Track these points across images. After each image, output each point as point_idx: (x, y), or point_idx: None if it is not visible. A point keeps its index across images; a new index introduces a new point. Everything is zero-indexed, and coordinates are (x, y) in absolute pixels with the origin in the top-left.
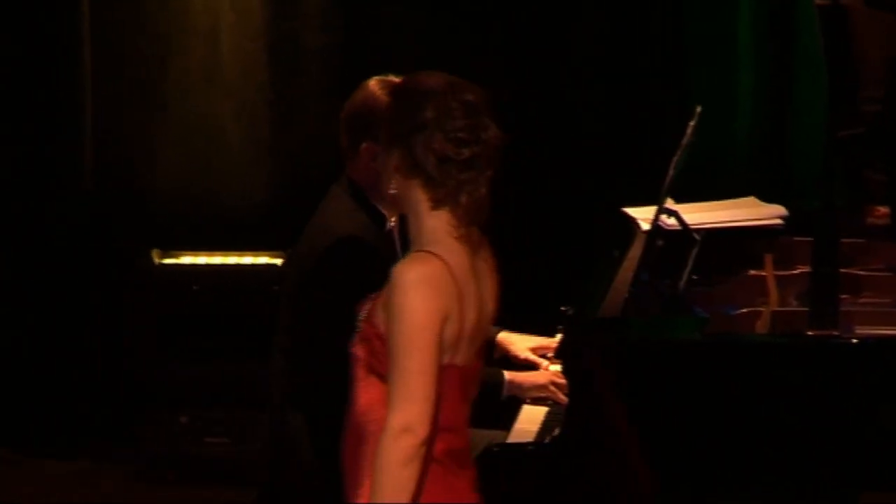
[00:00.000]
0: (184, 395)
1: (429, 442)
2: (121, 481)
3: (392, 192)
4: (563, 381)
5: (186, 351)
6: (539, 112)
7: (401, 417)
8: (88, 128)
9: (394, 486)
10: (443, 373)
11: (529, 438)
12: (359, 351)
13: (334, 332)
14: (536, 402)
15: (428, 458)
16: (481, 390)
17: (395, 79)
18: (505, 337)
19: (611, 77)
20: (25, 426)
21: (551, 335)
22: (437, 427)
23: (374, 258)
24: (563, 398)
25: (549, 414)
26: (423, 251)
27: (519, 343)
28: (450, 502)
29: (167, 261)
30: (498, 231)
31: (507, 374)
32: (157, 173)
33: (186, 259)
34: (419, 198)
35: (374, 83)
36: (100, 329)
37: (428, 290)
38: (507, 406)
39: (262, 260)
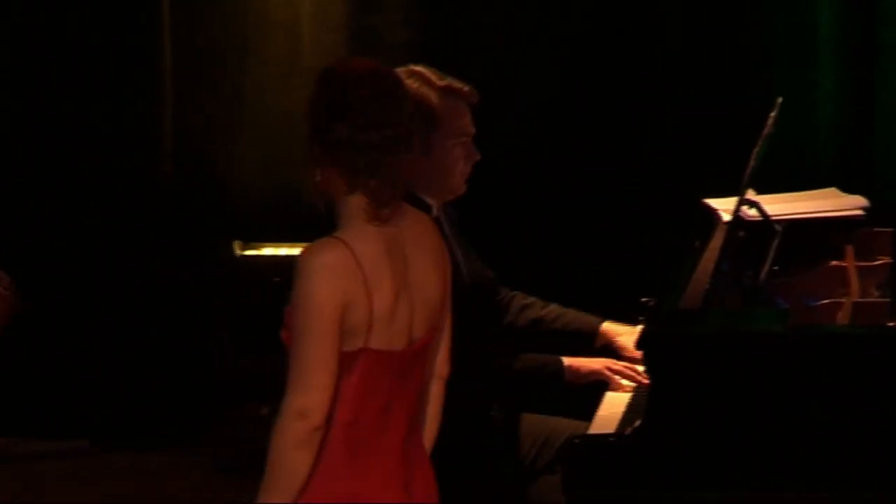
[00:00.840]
0: (264, 387)
1: (324, 429)
2: (202, 474)
3: (317, 179)
4: (618, 366)
5: (267, 343)
6: (621, 104)
7: (297, 402)
8: (169, 120)
9: (285, 468)
10: (350, 359)
11: (611, 429)
12: (284, 337)
13: None
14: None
15: (324, 445)
16: (542, 378)
17: (421, 69)
18: (610, 328)
19: (693, 68)
20: (106, 418)
21: (633, 325)
22: (334, 415)
23: None
24: (618, 382)
25: (630, 402)
26: (330, 237)
27: (626, 336)
28: (340, 497)
29: (248, 252)
30: (582, 222)
31: (566, 360)
32: (237, 165)
33: (267, 251)
34: (336, 183)
35: (402, 74)
36: (181, 321)
37: (327, 276)
38: (591, 392)
39: None
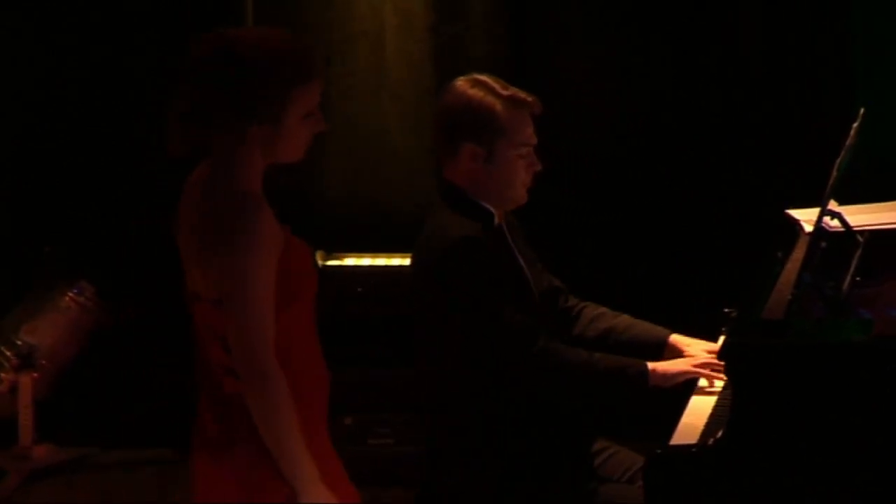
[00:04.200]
0: (347, 397)
1: None
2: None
3: None
4: (700, 363)
5: (351, 352)
6: (704, 112)
7: None
8: None
9: None
10: None
11: (693, 439)
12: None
13: (469, 335)
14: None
15: None
16: (626, 378)
17: (486, 78)
18: (678, 339)
19: (777, 78)
20: (191, 427)
21: (715, 337)
22: None
23: (491, 256)
24: (707, 374)
25: (713, 411)
26: None
27: (695, 347)
28: None
29: (331, 262)
30: (665, 233)
31: (650, 365)
32: (320, 175)
33: (350, 261)
34: None
35: (462, 83)
36: None
37: None
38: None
39: None
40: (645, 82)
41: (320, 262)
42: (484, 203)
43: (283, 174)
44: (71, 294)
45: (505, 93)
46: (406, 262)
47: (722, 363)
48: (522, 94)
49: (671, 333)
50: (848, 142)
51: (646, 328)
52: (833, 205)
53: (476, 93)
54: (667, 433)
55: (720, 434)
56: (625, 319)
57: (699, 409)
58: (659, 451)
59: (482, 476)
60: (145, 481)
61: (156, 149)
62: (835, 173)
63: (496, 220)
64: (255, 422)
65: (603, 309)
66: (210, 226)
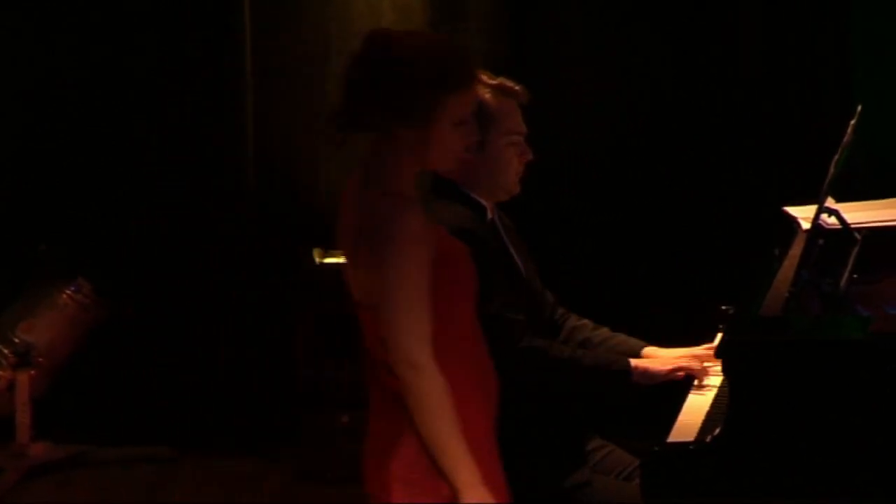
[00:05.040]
0: (343, 395)
1: None
2: (281, 482)
3: None
4: (688, 363)
5: (347, 350)
6: (701, 111)
7: None
8: (250, 128)
9: None
10: None
11: (691, 437)
12: None
13: None
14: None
15: None
16: (608, 378)
17: (487, 77)
18: (652, 352)
19: (774, 75)
20: (186, 426)
21: (712, 333)
22: None
23: (486, 247)
24: (697, 366)
25: (710, 409)
26: None
27: (666, 358)
28: None
29: (328, 260)
30: (662, 231)
31: (633, 362)
32: (318, 173)
33: None
34: None
35: None
36: (261, 328)
37: None
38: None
39: None
40: (644, 81)
41: (317, 260)
42: (476, 195)
43: (279, 172)
44: (68, 291)
45: (492, 82)
46: None
47: (704, 355)
48: (510, 84)
49: (646, 346)
50: (845, 139)
51: (621, 340)
52: (831, 202)
53: None
54: (664, 431)
55: (717, 431)
56: (603, 332)
57: (696, 406)
58: (656, 448)
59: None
60: (142, 479)
61: (153, 147)
62: (832, 171)
63: (489, 215)
64: (413, 419)
65: (584, 321)
66: (362, 229)
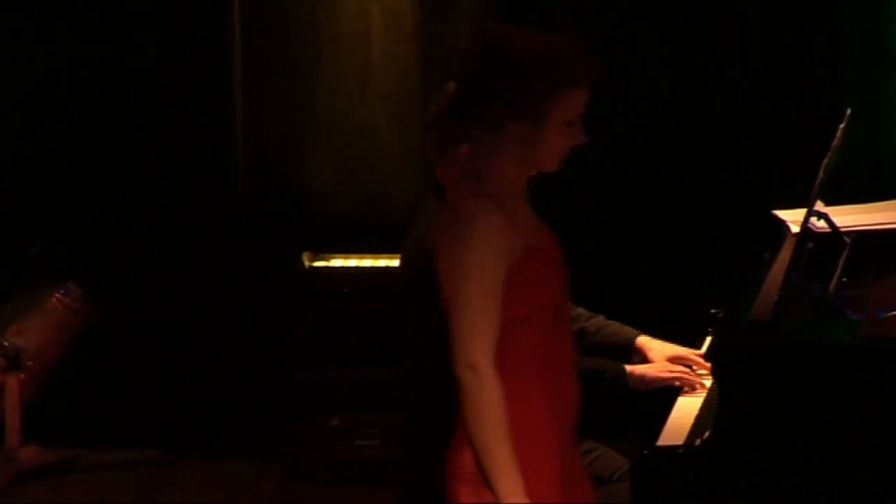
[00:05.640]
0: (335, 398)
1: None
2: (274, 484)
3: None
4: (683, 373)
5: (337, 353)
6: (691, 114)
7: None
8: (240, 132)
9: None
10: None
11: (680, 440)
12: None
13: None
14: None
15: None
16: (604, 385)
17: None
18: (645, 342)
19: (764, 79)
20: (178, 428)
21: (702, 337)
22: None
23: None
24: (682, 378)
25: (700, 412)
26: None
27: (658, 350)
28: None
29: (318, 263)
30: (652, 234)
31: (629, 368)
32: (308, 176)
33: (337, 262)
34: None
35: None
36: (251, 332)
37: None
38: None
39: None
40: (639, 83)
41: (307, 263)
42: None
43: (269, 174)
44: (58, 295)
45: None
46: (393, 263)
47: (698, 363)
48: None
49: (639, 335)
50: (835, 142)
51: (615, 330)
52: (820, 205)
53: None
54: (654, 434)
55: (707, 435)
56: (598, 321)
57: (686, 409)
58: (646, 451)
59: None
60: (133, 483)
61: (145, 150)
62: (821, 174)
63: None
64: (465, 419)
65: (580, 310)
66: (443, 228)
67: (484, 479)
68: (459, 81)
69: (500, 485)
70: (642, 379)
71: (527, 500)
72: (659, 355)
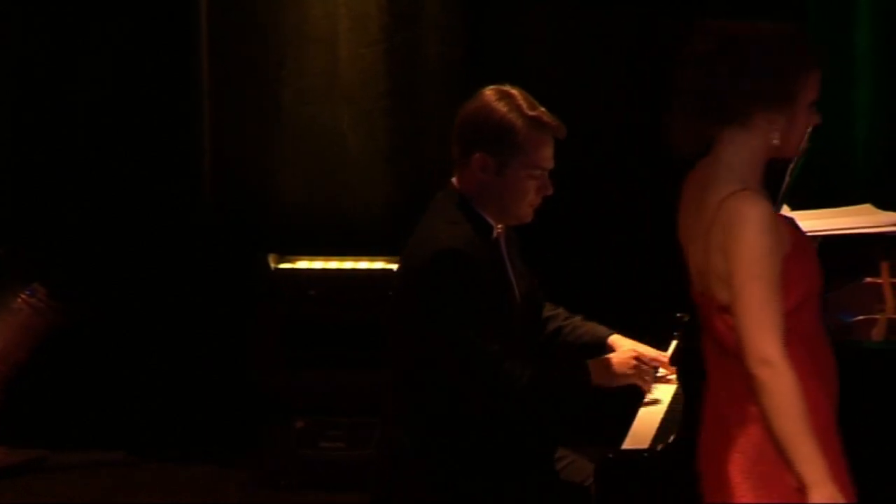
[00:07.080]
0: (300, 400)
1: None
2: (240, 487)
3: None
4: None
5: (303, 355)
6: (655, 117)
7: None
8: (207, 134)
9: None
10: None
11: (645, 444)
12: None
13: (438, 347)
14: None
15: None
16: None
17: (516, 93)
18: (616, 340)
19: None
20: (143, 431)
21: (667, 341)
22: None
23: (475, 270)
24: (646, 378)
25: (665, 417)
26: None
27: (628, 348)
28: None
29: (283, 266)
30: (617, 238)
31: (591, 361)
32: (273, 179)
33: (303, 264)
34: None
35: (489, 92)
36: (217, 334)
37: None
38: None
39: (379, 265)
40: (608, 87)
41: (273, 265)
42: (485, 214)
43: (234, 177)
44: (23, 296)
45: (530, 112)
46: (359, 265)
47: (664, 365)
48: (547, 118)
49: (612, 334)
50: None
51: (589, 329)
52: (786, 210)
53: (500, 106)
54: (619, 438)
55: (671, 439)
56: (575, 321)
57: (651, 414)
58: (610, 455)
59: (443, 484)
60: (98, 484)
61: (110, 154)
62: (787, 179)
63: (494, 233)
64: (762, 413)
65: (560, 309)
66: (712, 229)
67: (790, 469)
68: (702, 84)
69: (810, 475)
70: (606, 369)
71: (835, 487)
72: (626, 354)
